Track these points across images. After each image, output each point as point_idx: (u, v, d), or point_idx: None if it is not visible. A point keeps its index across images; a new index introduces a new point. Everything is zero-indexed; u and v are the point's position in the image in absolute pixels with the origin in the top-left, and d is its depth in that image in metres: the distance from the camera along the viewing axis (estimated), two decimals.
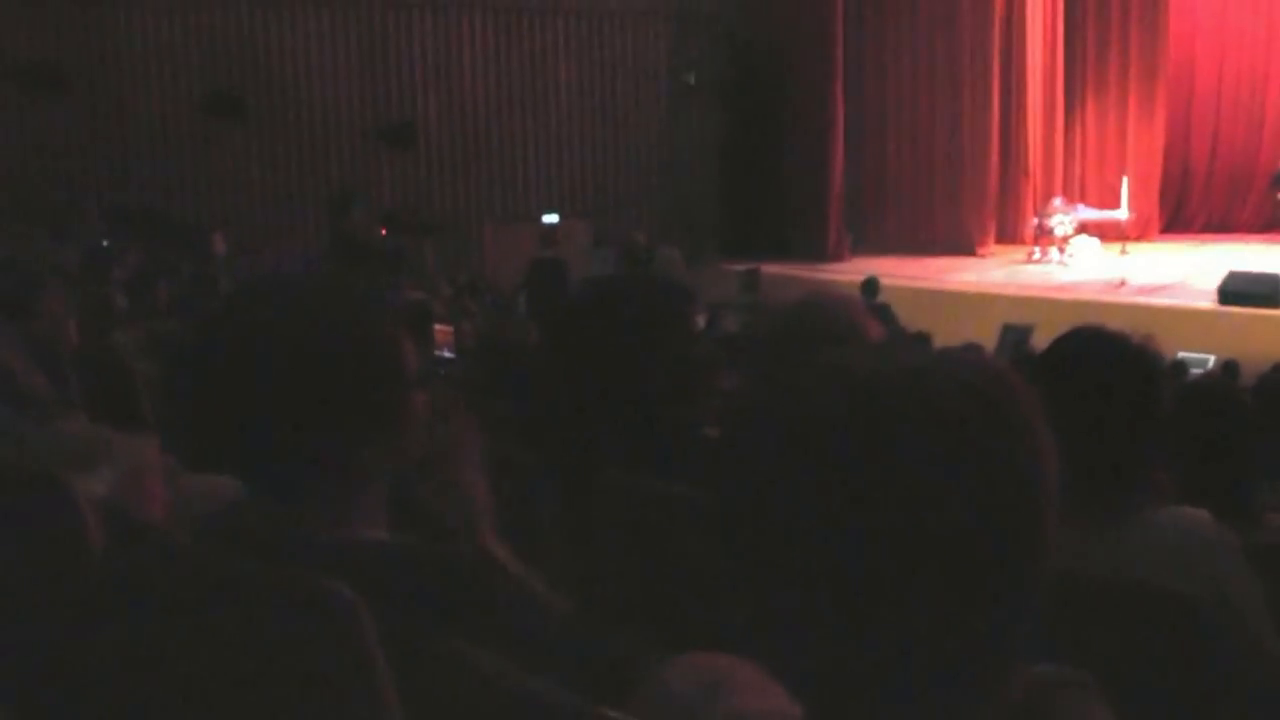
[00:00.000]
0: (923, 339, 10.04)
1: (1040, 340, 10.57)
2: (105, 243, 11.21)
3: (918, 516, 0.91)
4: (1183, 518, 2.18)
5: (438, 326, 6.91)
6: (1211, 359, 10.60)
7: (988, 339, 10.01)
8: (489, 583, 1.56)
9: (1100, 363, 2.15)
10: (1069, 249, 15.68)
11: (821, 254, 16.99)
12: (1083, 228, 16.02)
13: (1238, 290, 12.91)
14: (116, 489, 1.94)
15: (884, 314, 7.57)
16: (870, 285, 12.58)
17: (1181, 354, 10.43)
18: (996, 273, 15.76)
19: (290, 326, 1.63)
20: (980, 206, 17.30)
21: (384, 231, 13.46)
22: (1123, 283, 14.05)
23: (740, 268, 14.12)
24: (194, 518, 1.75)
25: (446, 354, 6.50)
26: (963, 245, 17.08)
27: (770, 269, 14.65)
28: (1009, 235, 17.42)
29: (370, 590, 1.42)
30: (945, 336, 9.94)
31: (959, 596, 0.93)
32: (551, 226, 16.29)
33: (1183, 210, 18.17)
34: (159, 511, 1.90)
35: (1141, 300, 13.38)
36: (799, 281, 14.56)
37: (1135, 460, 2.16)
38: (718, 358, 3.01)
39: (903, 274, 15.40)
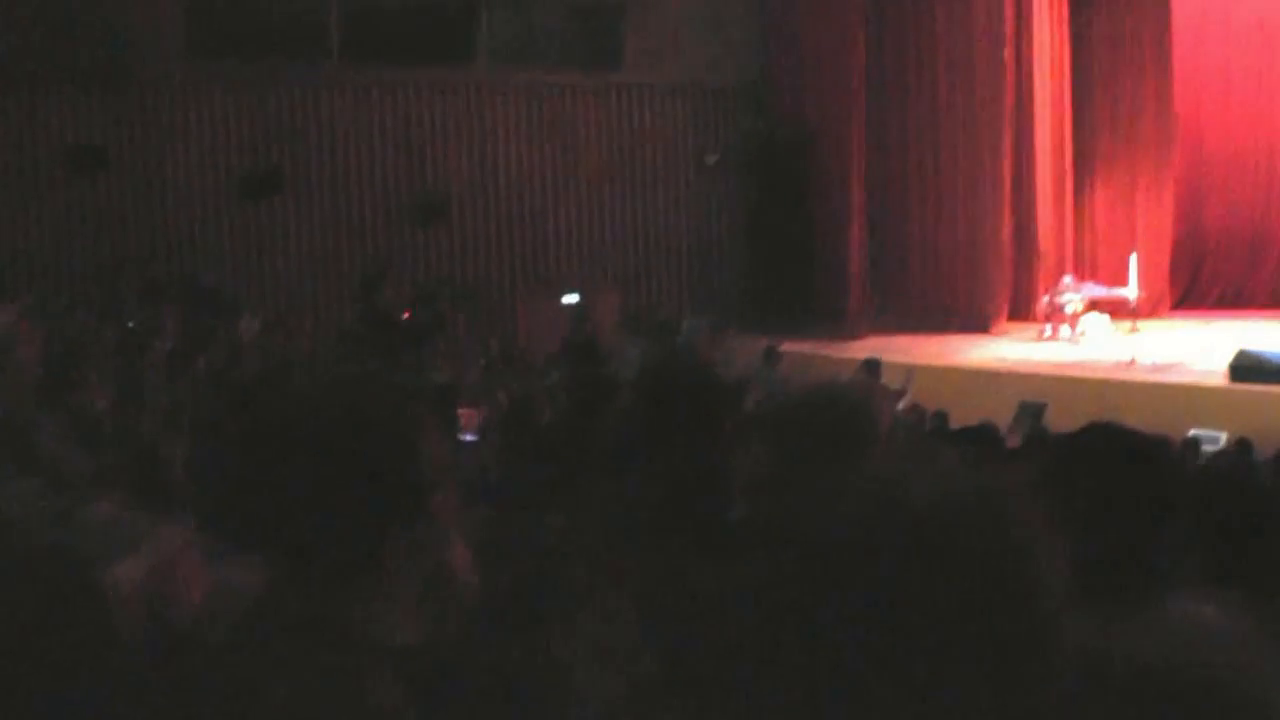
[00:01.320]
0: (940, 417, 10.10)
1: (1053, 417, 10.61)
2: (141, 320, 11.29)
3: (941, 622, 0.98)
4: (1203, 606, 2.20)
5: (461, 410, 6.98)
6: (1223, 436, 10.59)
7: (1001, 416, 10.02)
8: (521, 673, 1.59)
9: (1115, 461, 2.20)
10: (1079, 327, 15.73)
11: (842, 329, 17.05)
12: (1093, 305, 16.06)
13: (1248, 367, 12.94)
14: (151, 576, 1.97)
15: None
16: (871, 365, 12.76)
17: (1193, 431, 10.43)
18: (1009, 351, 15.79)
19: (320, 423, 1.66)
20: (993, 285, 17.37)
21: (407, 314, 13.60)
22: (1132, 362, 14.07)
23: (763, 343, 14.22)
24: (226, 606, 1.77)
25: (469, 437, 6.54)
26: (977, 323, 17.14)
27: (788, 347, 14.73)
28: (1021, 313, 17.46)
29: (404, 685, 1.44)
30: (961, 414, 9.96)
31: (979, 690, 0.98)
32: (580, 306, 16.46)
33: (1197, 282, 18.19)
34: (193, 599, 1.92)
35: (1153, 378, 13.39)
36: (814, 360, 14.66)
37: (1153, 552, 2.20)
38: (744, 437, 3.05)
39: (920, 352, 15.46)
